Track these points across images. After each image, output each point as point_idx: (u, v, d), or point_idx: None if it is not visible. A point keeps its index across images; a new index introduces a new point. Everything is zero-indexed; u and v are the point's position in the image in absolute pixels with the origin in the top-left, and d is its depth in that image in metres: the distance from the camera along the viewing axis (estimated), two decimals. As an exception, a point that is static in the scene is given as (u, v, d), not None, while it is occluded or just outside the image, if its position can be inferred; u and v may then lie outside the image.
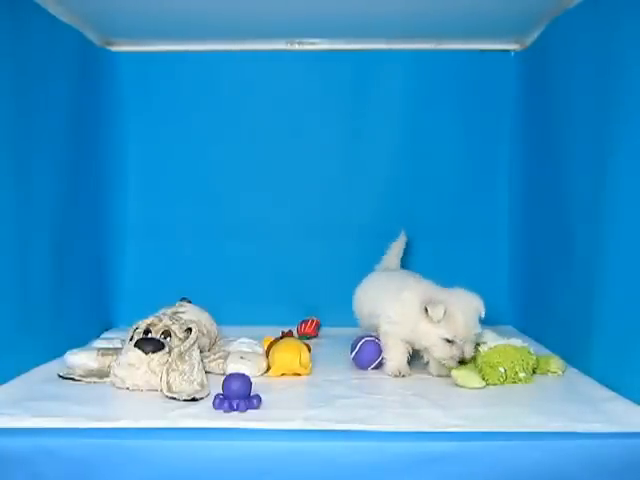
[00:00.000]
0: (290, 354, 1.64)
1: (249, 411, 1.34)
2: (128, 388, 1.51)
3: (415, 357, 1.69)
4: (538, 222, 2.00)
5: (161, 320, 1.62)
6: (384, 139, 2.24)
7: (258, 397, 1.38)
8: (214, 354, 1.71)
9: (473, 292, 1.63)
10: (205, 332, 1.79)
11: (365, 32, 2.09)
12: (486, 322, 1.62)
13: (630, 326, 1.39)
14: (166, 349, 1.53)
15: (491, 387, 1.55)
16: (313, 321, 2.13)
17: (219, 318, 1.93)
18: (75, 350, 1.68)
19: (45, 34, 1.72)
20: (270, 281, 2.25)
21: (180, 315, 1.75)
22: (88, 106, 2.01)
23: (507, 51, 2.22)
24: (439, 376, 1.63)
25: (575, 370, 1.65)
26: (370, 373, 1.68)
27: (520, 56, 2.19)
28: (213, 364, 1.66)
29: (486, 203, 2.27)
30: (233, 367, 1.61)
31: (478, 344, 1.61)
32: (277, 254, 2.25)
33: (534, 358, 1.63)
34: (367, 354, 1.70)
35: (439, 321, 1.56)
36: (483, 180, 2.26)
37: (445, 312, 1.56)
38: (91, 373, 1.60)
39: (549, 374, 1.64)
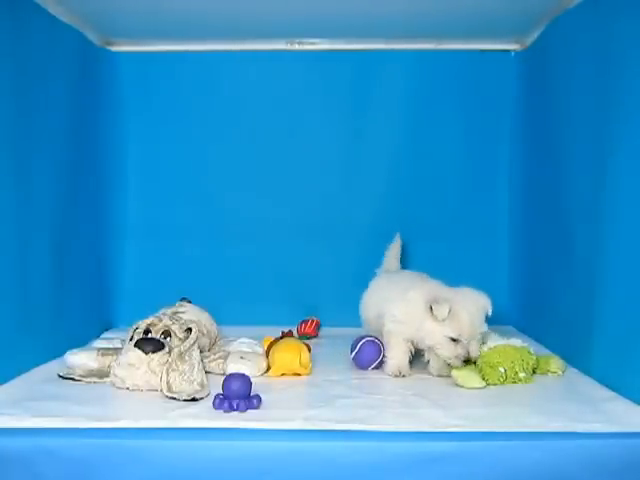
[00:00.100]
0: (290, 354, 1.64)
1: (249, 411, 1.34)
2: (128, 388, 1.51)
3: (415, 357, 1.69)
4: (538, 222, 2.00)
5: (161, 320, 1.62)
6: (384, 139, 2.24)
7: (258, 397, 1.38)
8: (214, 354, 1.71)
9: (480, 291, 1.62)
10: (205, 332, 1.79)
11: (365, 32, 2.09)
12: (486, 322, 1.62)
13: (630, 326, 1.39)
14: (166, 349, 1.53)
15: (491, 387, 1.55)
16: (313, 321, 2.13)
17: (219, 318, 1.93)
18: (75, 350, 1.68)
19: (45, 34, 1.72)
20: (270, 281, 2.25)
21: (180, 315, 1.75)
22: (88, 106, 2.01)
23: (507, 51, 2.22)
24: (439, 376, 1.63)
25: (575, 370, 1.65)
26: (370, 373, 1.68)
27: (520, 56, 2.19)
28: (213, 364, 1.66)
29: (486, 203, 2.27)
30: (233, 367, 1.61)
31: (484, 343, 1.61)
32: (277, 254, 2.25)
33: (534, 358, 1.63)
34: (367, 354, 1.70)
35: (444, 320, 1.56)
36: (483, 180, 2.26)
37: (450, 311, 1.55)
38: (91, 373, 1.60)
39: (549, 374, 1.64)
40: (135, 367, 1.51)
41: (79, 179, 1.95)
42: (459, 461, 1.17)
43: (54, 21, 1.78)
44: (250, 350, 1.75)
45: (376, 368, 1.70)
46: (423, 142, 2.23)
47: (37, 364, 1.66)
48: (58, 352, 1.71)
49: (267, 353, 1.71)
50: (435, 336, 1.58)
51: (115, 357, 1.58)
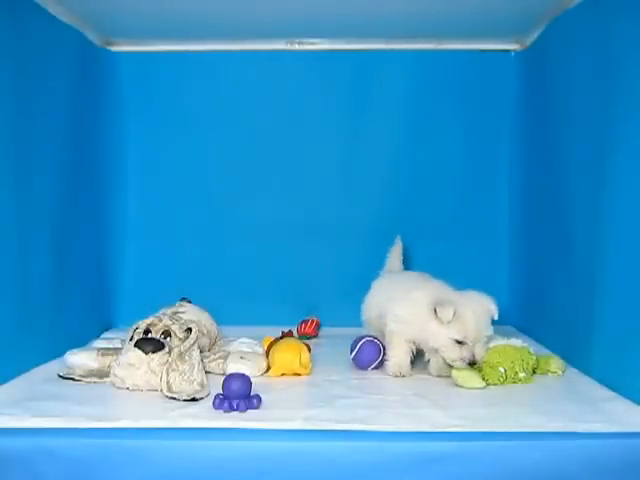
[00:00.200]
0: (290, 354, 1.64)
1: (249, 411, 1.34)
2: (128, 388, 1.51)
3: (416, 357, 1.68)
4: (538, 222, 2.00)
5: (161, 320, 1.62)
6: (384, 139, 2.24)
7: (258, 397, 1.38)
8: (214, 354, 1.71)
9: (485, 294, 1.61)
10: (205, 332, 1.79)
11: (365, 32, 2.09)
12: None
13: (630, 326, 1.39)
14: (166, 349, 1.53)
15: (491, 387, 1.55)
16: (313, 321, 2.13)
17: (219, 318, 1.93)
18: (75, 350, 1.68)
19: (45, 34, 1.72)
20: (270, 281, 2.25)
21: (180, 315, 1.75)
22: (88, 106, 2.01)
23: (507, 51, 2.22)
24: (439, 376, 1.63)
25: (575, 370, 1.65)
26: (370, 373, 1.68)
27: (520, 56, 2.19)
28: (213, 364, 1.66)
29: (486, 203, 2.27)
30: (233, 367, 1.61)
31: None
32: (277, 254, 2.25)
33: (534, 358, 1.63)
34: (367, 354, 1.70)
35: (448, 322, 1.55)
36: (483, 180, 2.26)
37: (454, 313, 1.54)
38: (91, 373, 1.60)
39: (549, 374, 1.64)
40: (135, 367, 1.51)
41: (79, 179, 1.95)
42: (459, 461, 1.17)
43: (54, 21, 1.78)
44: (250, 350, 1.75)
45: (376, 368, 1.70)
46: (423, 142, 2.23)
47: (37, 364, 1.66)
48: (58, 352, 1.71)
49: (267, 353, 1.71)
50: (440, 338, 1.57)
51: (115, 357, 1.58)
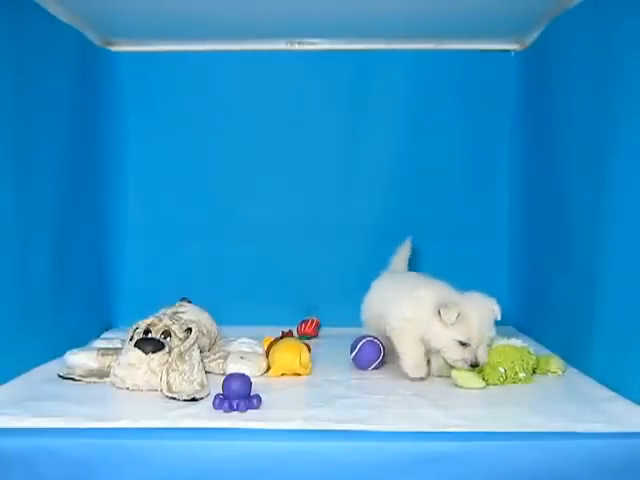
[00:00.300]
0: (290, 354, 1.64)
1: (249, 411, 1.34)
2: (128, 388, 1.51)
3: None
4: (538, 222, 2.00)
5: (161, 320, 1.62)
6: (384, 139, 2.24)
7: (258, 397, 1.38)
8: (214, 354, 1.71)
9: (488, 296, 1.61)
10: (205, 332, 1.79)
11: (365, 32, 2.09)
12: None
13: (630, 326, 1.39)
14: (166, 349, 1.53)
15: (491, 387, 1.55)
16: (313, 321, 2.13)
17: (219, 318, 1.93)
18: (75, 350, 1.68)
19: (45, 34, 1.72)
20: (270, 281, 2.25)
21: (180, 315, 1.75)
22: (88, 106, 2.01)
23: (507, 51, 2.22)
24: (439, 376, 1.62)
25: (575, 370, 1.65)
26: (370, 373, 1.68)
27: (520, 56, 2.19)
28: (213, 364, 1.66)
29: (486, 203, 2.27)
30: (233, 367, 1.61)
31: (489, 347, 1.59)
32: (277, 254, 2.25)
33: (534, 358, 1.63)
34: (367, 354, 1.70)
35: (452, 324, 1.54)
36: (483, 180, 2.26)
37: (458, 315, 1.53)
38: (91, 373, 1.60)
39: (549, 374, 1.64)
40: (135, 367, 1.51)
41: (79, 179, 1.95)
42: (459, 461, 1.17)
43: (54, 21, 1.78)
44: (250, 350, 1.75)
45: (376, 368, 1.70)
46: (423, 142, 2.23)
47: (37, 364, 1.66)
48: (58, 352, 1.71)
49: (267, 353, 1.71)
50: (443, 339, 1.56)
51: (115, 357, 1.58)
